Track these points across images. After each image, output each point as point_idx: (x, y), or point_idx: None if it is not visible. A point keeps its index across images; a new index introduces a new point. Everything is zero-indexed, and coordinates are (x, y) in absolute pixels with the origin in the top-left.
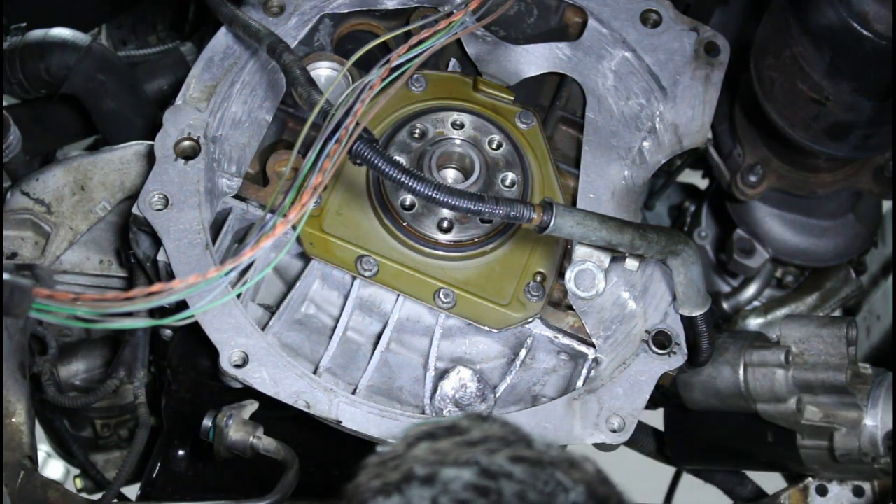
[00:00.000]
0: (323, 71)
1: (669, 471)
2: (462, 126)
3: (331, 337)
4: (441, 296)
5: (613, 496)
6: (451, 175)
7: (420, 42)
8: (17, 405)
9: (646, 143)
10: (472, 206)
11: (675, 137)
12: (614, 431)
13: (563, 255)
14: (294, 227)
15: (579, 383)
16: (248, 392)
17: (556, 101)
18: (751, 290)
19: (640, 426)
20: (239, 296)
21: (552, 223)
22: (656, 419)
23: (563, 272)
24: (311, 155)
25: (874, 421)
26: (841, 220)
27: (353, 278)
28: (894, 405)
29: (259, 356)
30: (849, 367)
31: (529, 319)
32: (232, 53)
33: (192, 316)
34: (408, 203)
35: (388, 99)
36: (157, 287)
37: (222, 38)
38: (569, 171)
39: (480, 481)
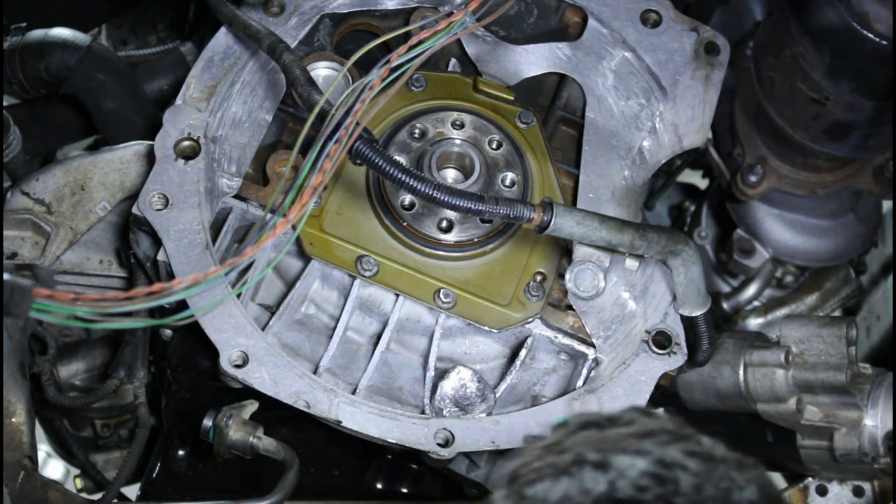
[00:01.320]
0: (323, 71)
1: None
2: (462, 126)
3: (331, 337)
4: (441, 296)
5: (781, 499)
6: (451, 175)
7: (420, 42)
8: (17, 405)
9: (646, 143)
10: (472, 206)
11: (675, 137)
12: None
13: (563, 255)
14: (294, 227)
15: (579, 383)
16: (248, 392)
17: (556, 101)
18: (751, 290)
19: None
20: (239, 296)
21: (552, 223)
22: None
23: (563, 272)
24: (311, 155)
25: (874, 421)
26: (841, 220)
27: (353, 278)
28: (894, 405)
29: (259, 356)
30: (849, 367)
31: (529, 319)
32: (232, 53)
33: (192, 316)
34: (408, 203)
35: (388, 99)
36: (157, 287)
37: (222, 38)
38: (569, 171)
39: (657, 470)
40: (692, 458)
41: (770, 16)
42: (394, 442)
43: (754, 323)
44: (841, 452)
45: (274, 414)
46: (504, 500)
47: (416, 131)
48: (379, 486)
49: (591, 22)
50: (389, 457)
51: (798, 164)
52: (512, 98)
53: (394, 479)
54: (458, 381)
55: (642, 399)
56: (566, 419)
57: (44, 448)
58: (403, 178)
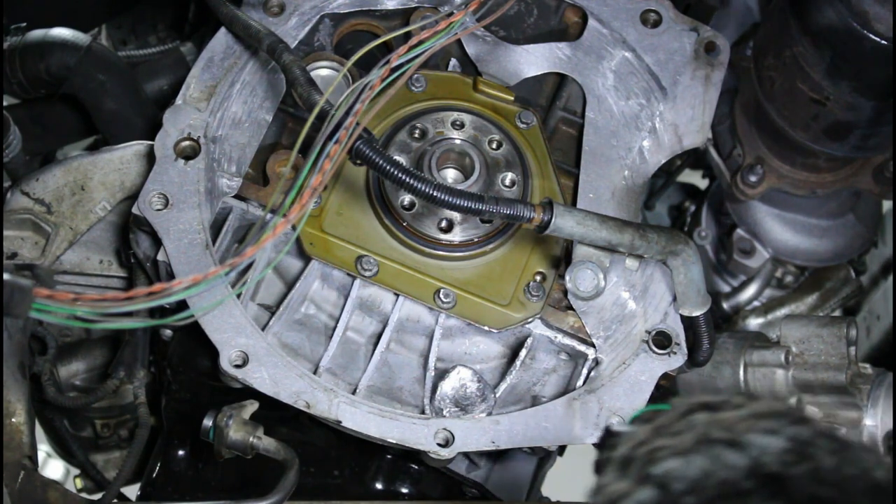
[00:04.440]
0: (323, 71)
1: None
2: (462, 126)
3: (331, 337)
4: (441, 296)
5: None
6: (451, 175)
7: (420, 42)
8: (17, 405)
9: (646, 143)
10: (472, 206)
11: (675, 137)
12: None
13: (563, 255)
14: (294, 227)
15: (579, 383)
16: (248, 392)
17: (556, 101)
18: (751, 290)
19: None
20: (239, 296)
21: (552, 223)
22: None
23: (563, 272)
24: (311, 155)
25: (874, 421)
26: (841, 220)
27: (353, 278)
28: (894, 405)
29: (259, 356)
30: (849, 367)
31: (529, 319)
32: (232, 53)
33: (192, 316)
34: (408, 203)
35: (388, 99)
36: (157, 287)
37: (222, 38)
38: (569, 171)
39: (798, 447)
40: (822, 438)
41: (770, 16)
42: (394, 442)
43: (754, 323)
44: None
45: (274, 414)
46: (620, 481)
47: (416, 131)
48: (379, 486)
49: (591, 22)
50: (389, 457)
51: (798, 164)
52: (512, 98)
53: (394, 479)
54: (458, 381)
55: (642, 399)
56: (656, 407)
57: (44, 448)
58: (403, 178)
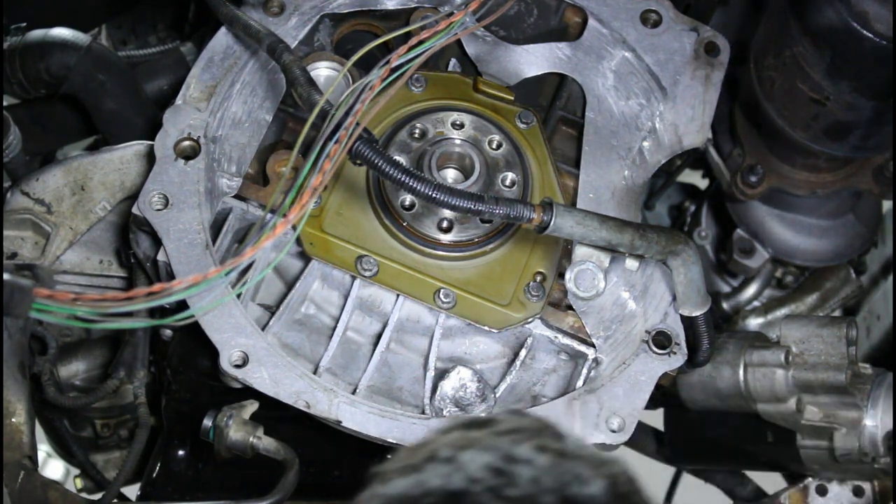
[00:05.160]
0: (323, 71)
1: (669, 471)
2: (462, 126)
3: (331, 337)
4: (441, 296)
5: (638, 499)
6: (451, 175)
7: (420, 42)
8: (17, 405)
9: (646, 143)
10: (471, 206)
11: (675, 137)
12: (614, 431)
13: (563, 255)
14: (294, 227)
15: (579, 383)
16: (248, 392)
17: (556, 101)
18: (751, 290)
19: (640, 426)
20: (239, 296)
21: (552, 223)
22: (656, 419)
23: (563, 272)
24: (312, 155)
25: (874, 421)
26: (841, 220)
27: (353, 278)
28: (894, 405)
29: (259, 356)
30: (849, 367)
31: (529, 319)
32: (232, 53)
33: (192, 316)
34: (408, 203)
35: (388, 99)
36: (157, 287)
37: (222, 38)
38: (569, 171)
39: (500, 464)
40: (542, 454)
41: (770, 16)
42: (394, 442)
43: (754, 323)
44: (841, 452)
45: (274, 414)
46: (361, 499)
47: (416, 131)
48: None
49: (591, 22)
50: (389, 457)
51: (798, 164)
52: (512, 98)
53: None
54: (458, 381)
55: (642, 399)
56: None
57: (44, 448)
58: (403, 179)
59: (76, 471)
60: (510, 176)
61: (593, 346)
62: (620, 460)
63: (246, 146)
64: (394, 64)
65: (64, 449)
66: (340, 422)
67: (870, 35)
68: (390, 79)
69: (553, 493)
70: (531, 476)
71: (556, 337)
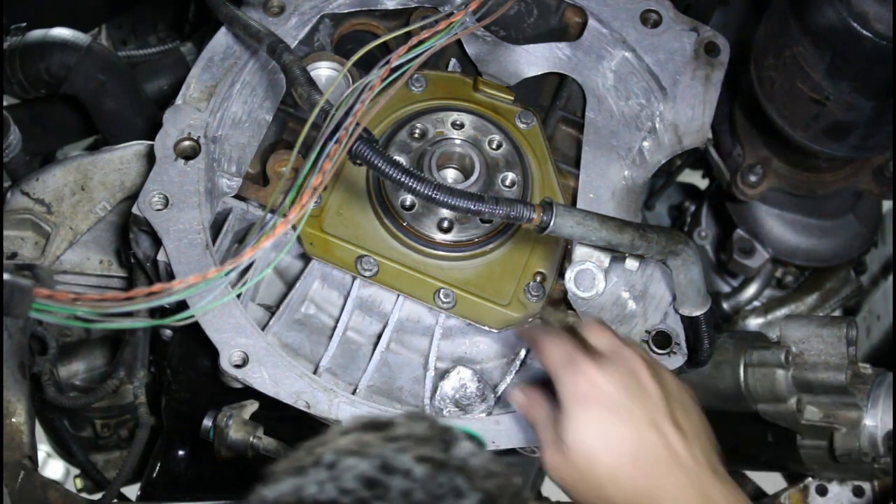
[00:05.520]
0: (323, 71)
1: None
2: (462, 126)
3: (331, 337)
4: (441, 296)
5: None
6: (451, 175)
7: (420, 42)
8: (17, 405)
9: (646, 143)
10: (471, 207)
11: (675, 137)
12: None
13: (563, 255)
14: (294, 227)
15: None
16: (248, 392)
17: (556, 101)
18: (751, 290)
19: None
20: (239, 296)
21: (552, 223)
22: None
23: (563, 272)
24: (311, 155)
25: (874, 421)
26: (841, 220)
27: (353, 278)
28: (894, 405)
29: (259, 356)
30: (849, 367)
31: (529, 319)
32: (232, 53)
33: (192, 316)
34: (408, 203)
35: (388, 99)
36: (157, 287)
37: (222, 38)
38: (569, 171)
39: (374, 474)
40: (422, 464)
41: (770, 16)
42: None
43: (754, 323)
44: (841, 452)
45: (274, 414)
46: (251, 500)
47: (416, 131)
48: None
49: (591, 22)
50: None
51: (798, 164)
52: (512, 98)
53: None
54: (459, 381)
55: None
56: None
57: (44, 448)
58: (403, 179)
59: (76, 471)
60: (510, 176)
61: None
62: (514, 473)
63: (246, 146)
64: (394, 64)
65: (64, 449)
66: (340, 422)
67: (870, 35)
68: (390, 79)
69: None
70: (403, 489)
71: None
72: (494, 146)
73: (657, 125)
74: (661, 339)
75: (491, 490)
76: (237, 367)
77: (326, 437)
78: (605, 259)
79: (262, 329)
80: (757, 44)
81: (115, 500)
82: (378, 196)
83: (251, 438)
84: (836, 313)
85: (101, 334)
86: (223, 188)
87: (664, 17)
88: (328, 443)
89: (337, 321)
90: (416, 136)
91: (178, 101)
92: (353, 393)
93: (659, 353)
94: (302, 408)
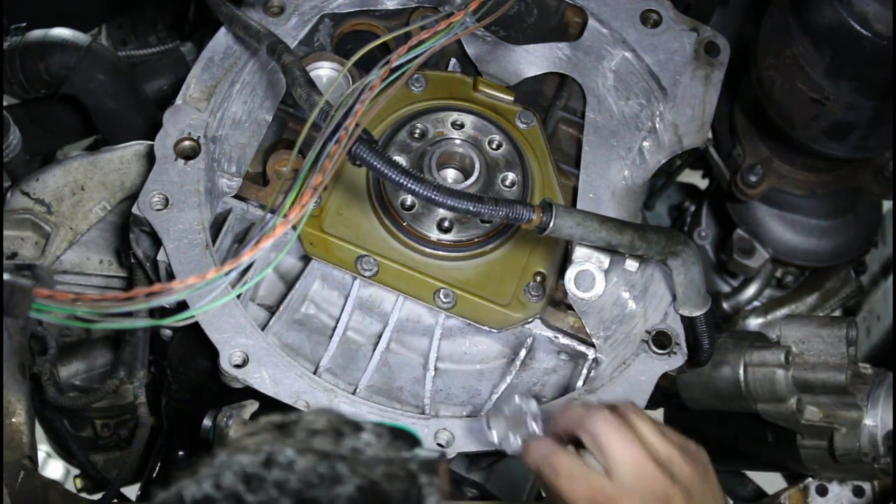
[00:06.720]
0: (323, 71)
1: None
2: (462, 126)
3: (331, 337)
4: (441, 296)
5: (397, 499)
6: (451, 175)
7: (420, 42)
8: (17, 405)
9: (646, 143)
10: (471, 207)
11: (675, 137)
12: None
13: (564, 255)
14: (294, 228)
15: (579, 383)
16: (249, 392)
17: (556, 101)
18: (751, 290)
19: None
20: (239, 296)
21: (552, 224)
22: (656, 419)
23: (563, 272)
24: (311, 155)
25: (874, 421)
26: (841, 220)
27: (353, 278)
28: (894, 405)
29: (259, 356)
30: (849, 367)
31: (529, 319)
32: (232, 53)
33: (192, 316)
34: (408, 203)
35: (387, 99)
36: (157, 287)
37: (222, 38)
38: (569, 171)
39: (254, 469)
40: (304, 455)
41: (770, 16)
42: None
43: (754, 323)
44: (841, 452)
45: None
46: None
47: (416, 131)
48: None
49: (591, 22)
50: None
51: (798, 164)
52: (512, 98)
53: None
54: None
55: (642, 399)
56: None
57: (44, 448)
58: (402, 180)
59: (76, 471)
60: (510, 176)
61: (593, 346)
62: (415, 462)
63: (246, 146)
64: (394, 64)
65: (64, 449)
66: None
67: (870, 35)
68: (390, 79)
69: (292, 496)
70: (278, 480)
71: (556, 337)
72: (494, 146)
73: (657, 125)
74: (661, 339)
75: (374, 477)
76: (237, 367)
77: (237, 439)
78: (605, 259)
79: (262, 329)
80: (757, 44)
81: (115, 500)
82: (378, 196)
83: None
84: (836, 313)
85: (101, 334)
86: (223, 188)
87: (664, 17)
88: (232, 445)
89: (337, 321)
90: (416, 136)
91: (178, 101)
92: (353, 393)
93: (659, 353)
94: (302, 408)
